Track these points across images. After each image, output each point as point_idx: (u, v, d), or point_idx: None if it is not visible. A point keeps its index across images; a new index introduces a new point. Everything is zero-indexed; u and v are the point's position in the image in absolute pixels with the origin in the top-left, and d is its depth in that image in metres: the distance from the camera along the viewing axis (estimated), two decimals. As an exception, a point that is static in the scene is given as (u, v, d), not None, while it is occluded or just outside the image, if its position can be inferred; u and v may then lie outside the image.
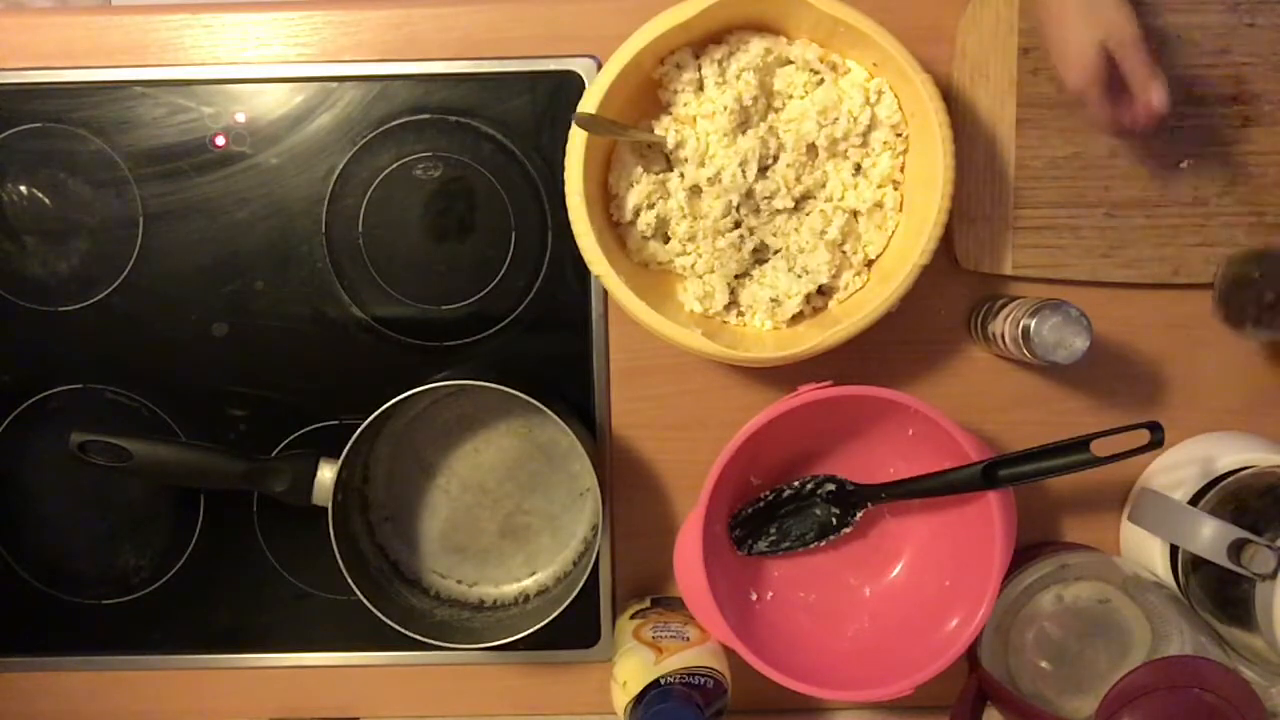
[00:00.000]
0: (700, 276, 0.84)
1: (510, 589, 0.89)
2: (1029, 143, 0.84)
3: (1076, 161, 0.85)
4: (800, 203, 0.83)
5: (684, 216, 0.82)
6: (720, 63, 0.81)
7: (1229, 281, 0.81)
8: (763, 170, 0.82)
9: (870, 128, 0.82)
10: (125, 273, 0.87)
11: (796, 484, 0.84)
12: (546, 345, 0.88)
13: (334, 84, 0.86)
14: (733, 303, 0.85)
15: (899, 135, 0.82)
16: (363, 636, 0.89)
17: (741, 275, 0.84)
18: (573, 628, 0.87)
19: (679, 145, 0.81)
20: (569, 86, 0.85)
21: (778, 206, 0.82)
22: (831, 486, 0.84)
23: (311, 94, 0.86)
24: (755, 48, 0.81)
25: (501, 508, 0.89)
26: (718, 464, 0.77)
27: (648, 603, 0.87)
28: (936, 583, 0.83)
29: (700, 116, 0.82)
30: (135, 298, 0.88)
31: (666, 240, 0.84)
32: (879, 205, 0.83)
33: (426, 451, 0.88)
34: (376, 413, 0.79)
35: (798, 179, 0.82)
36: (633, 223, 0.83)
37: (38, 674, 0.91)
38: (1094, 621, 0.82)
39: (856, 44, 0.80)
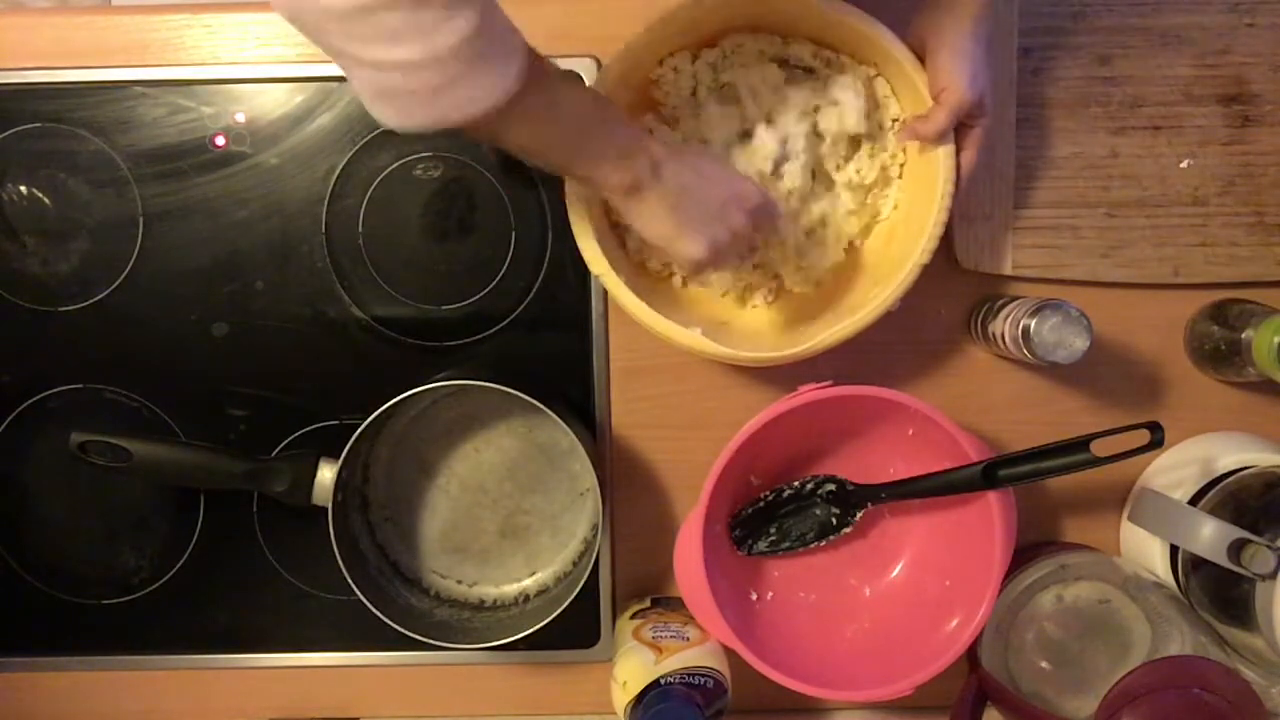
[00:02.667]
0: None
1: (510, 589, 0.89)
2: (1029, 143, 0.84)
3: (1076, 161, 0.85)
4: (801, 200, 0.83)
5: None
6: (714, 65, 0.81)
7: (1193, 335, 0.86)
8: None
9: (870, 127, 0.81)
10: (125, 273, 0.87)
11: (796, 484, 0.84)
12: (546, 345, 0.88)
13: (334, 84, 0.86)
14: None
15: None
16: (363, 636, 0.89)
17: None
18: (573, 628, 0.87)
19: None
20: (569, 86, 0.85)
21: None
22: (831, 486, 0.84)
23: (311, 94, 0.86)
24: (750, 48, 0.81)
25: (501, 508, 0.89)
26: (718, 464, 0.77)
27: (648, 603, 0.87)
28: (936, 583, 0.83)
29: (697, 116, 0.82)
30: (135, 298, 0.88)
31: None
32: (879, 204, 0.83)
33: (426, 451, 0.88)
34: (376, 413, 0.79)
35: (798, 178, 0.82)
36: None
37: (38, 674, 0.91)
38: (1094, 621, 0.82)
39: (856, 44, 0.80)
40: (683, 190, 0.70)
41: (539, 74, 0.62)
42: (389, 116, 0.58)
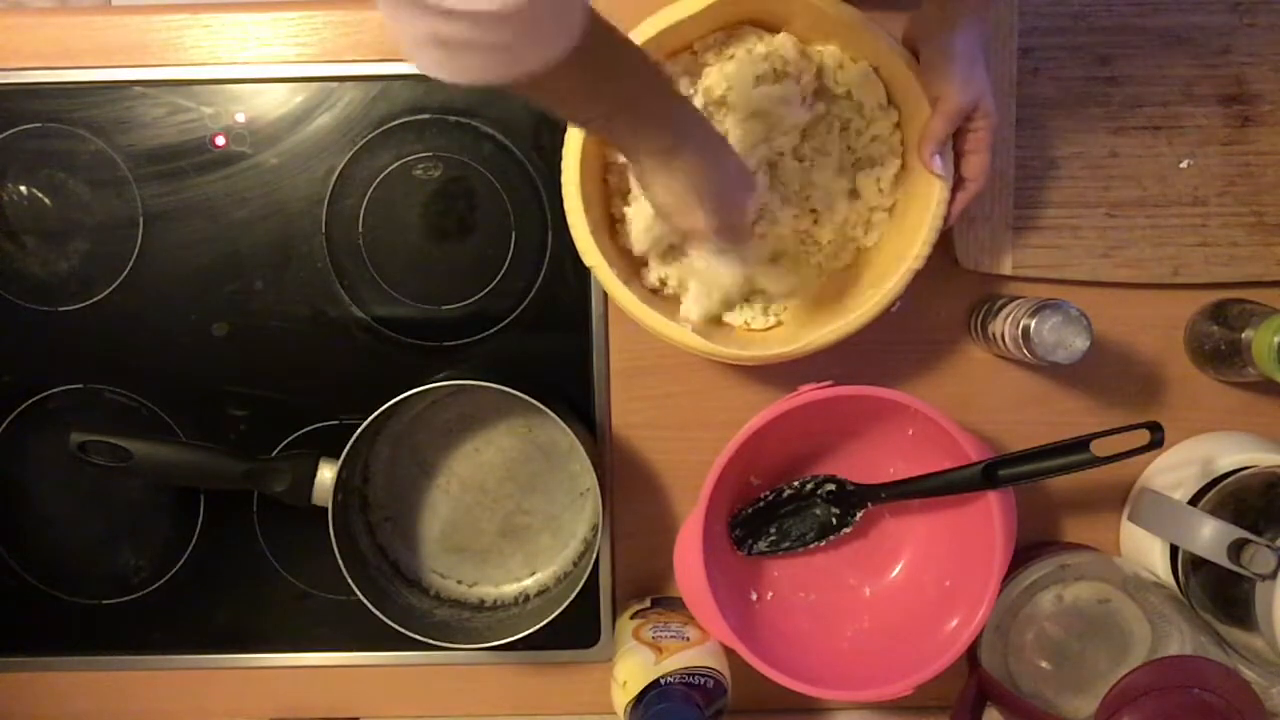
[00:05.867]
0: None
1: (510, 589, 0.89)
2: (1029, 143, 0.84)
3: (1076, 161, 0.85)
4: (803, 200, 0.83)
5: None
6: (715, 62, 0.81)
7: (1193, 335, 0.86)
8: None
9: (870, 127, 0.82)
10: (125, 273, 0.87)
11: (796, 484, 0.84)
12: (546, 345, 0.88)
13: (334, 84, 0.86)
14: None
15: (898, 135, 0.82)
16: (363, 636, 0.89)
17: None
18: (573, 628, 0.87)
19: None
20: (569, 86, 0.85)
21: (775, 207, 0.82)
22: (831, 486, 0.84)
23: (311, 94, 0.86)
24: (739, 48, 0.81)
25: (501, 508, 0.89)
26: (718, 464, 0.77)
27: (648, 603, 0.87)
28: (936, 583, 0.83)
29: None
30: (135, 298, 0.88)
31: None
32: (880, 203, 0.83)
33: (426, 451, 0.88)
34: (376, 413, 0.79)
35: (799, 179, 0.82)
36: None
37: (38, 674, 0.91)
38: (1094, 621, 0.82)
39: (856, 43, 0.79)
40: (711, 163, 0.68)
41: (599, 25, 0.58)
42: (439, 68, 0.54)
